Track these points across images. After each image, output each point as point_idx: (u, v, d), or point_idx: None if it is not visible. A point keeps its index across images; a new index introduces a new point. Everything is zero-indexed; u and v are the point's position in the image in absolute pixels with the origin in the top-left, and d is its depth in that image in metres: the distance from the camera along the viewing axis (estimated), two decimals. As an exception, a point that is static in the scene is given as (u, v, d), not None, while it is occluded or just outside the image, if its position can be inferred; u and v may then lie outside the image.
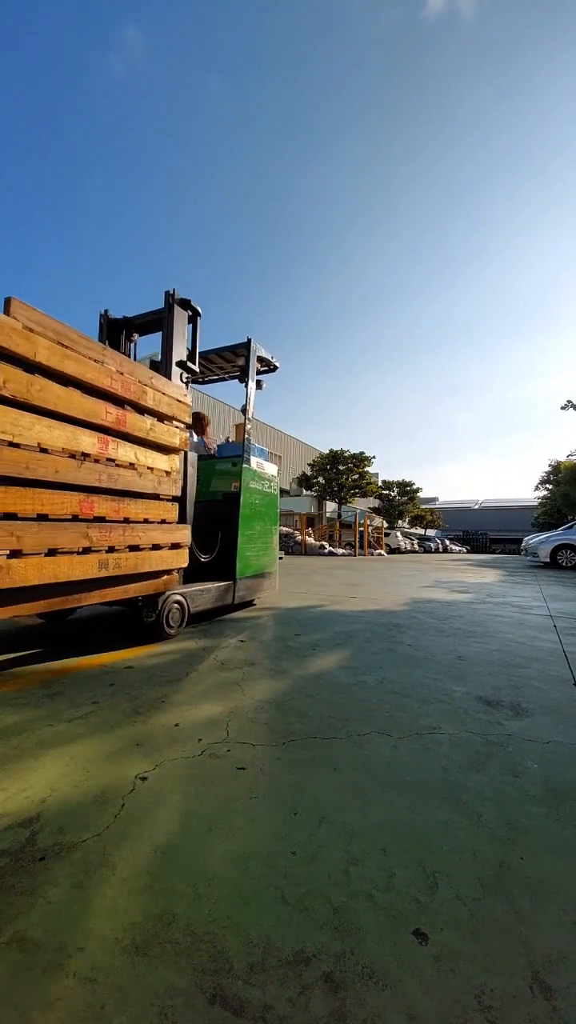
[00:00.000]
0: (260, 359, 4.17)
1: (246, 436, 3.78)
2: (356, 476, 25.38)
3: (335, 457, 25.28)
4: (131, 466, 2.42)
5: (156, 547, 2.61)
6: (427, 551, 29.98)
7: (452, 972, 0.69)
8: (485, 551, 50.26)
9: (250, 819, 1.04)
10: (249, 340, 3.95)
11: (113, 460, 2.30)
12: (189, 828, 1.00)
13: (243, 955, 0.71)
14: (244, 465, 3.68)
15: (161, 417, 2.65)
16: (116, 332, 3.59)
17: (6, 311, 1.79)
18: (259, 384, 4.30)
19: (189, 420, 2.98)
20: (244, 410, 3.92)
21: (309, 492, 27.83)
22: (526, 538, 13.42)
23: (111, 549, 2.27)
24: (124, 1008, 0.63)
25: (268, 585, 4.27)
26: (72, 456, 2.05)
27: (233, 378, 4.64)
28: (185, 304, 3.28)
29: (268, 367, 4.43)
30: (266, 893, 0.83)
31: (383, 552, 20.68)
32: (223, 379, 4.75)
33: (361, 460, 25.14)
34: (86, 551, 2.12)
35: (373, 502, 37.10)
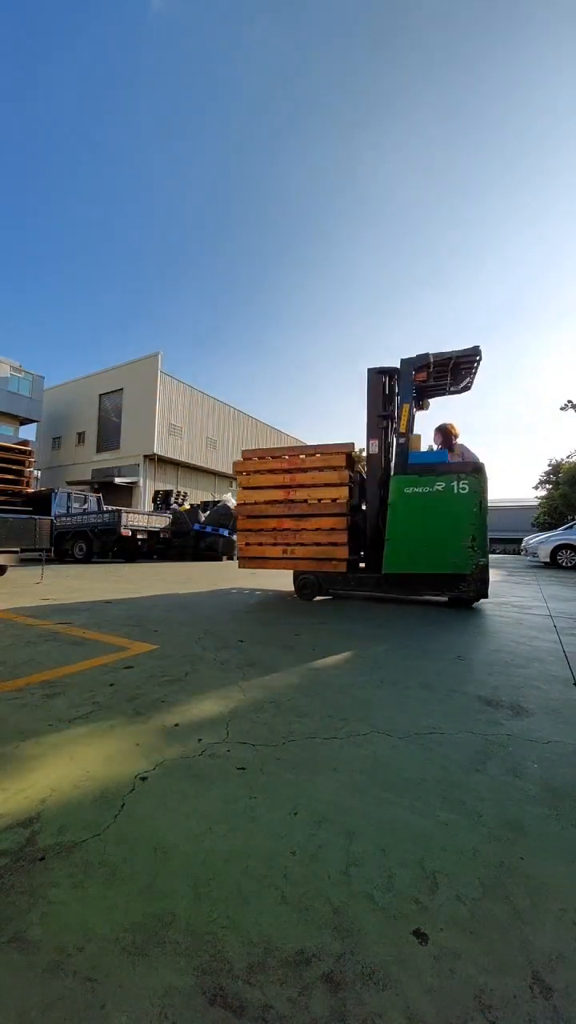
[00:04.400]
0: (437, 364, 4.38)
1: (397, 450, 4.39)
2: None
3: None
4: (304, 501, 4.63)
5: (318, 544, 4.55)
6: (427, 551, 29.81)
7: (452, 972, 0.69)
8: (485, 551, 50.06)
9: (250, 819, 1.04)
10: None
11: (292, 500, 4.66)
12: (189, 828, 1.00)
13: (243, 955, 0.71)
14: (393, 475, 4.35)
15: (322, 468, 4.60)
16: (380, 376, 4.74)
17: (243, 458, 5.00)
18: (424, 405, 4.93)
19: (344, 463, 4.46)
20: (395, 429, 4.49)
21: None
22: (526, 538, 13.42)
23: (287, 545, 4.67)
24: (124, 1008, 0.63)
25: (460, 584, 4.16)
26: (268, 503, 4.79)
27: (440, 394, 5.18)
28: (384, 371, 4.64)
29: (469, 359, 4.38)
30: (266, 893, 0.83)
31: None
32: (443, 393, 5.17)
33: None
34: (275, 545, 4.77)
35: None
